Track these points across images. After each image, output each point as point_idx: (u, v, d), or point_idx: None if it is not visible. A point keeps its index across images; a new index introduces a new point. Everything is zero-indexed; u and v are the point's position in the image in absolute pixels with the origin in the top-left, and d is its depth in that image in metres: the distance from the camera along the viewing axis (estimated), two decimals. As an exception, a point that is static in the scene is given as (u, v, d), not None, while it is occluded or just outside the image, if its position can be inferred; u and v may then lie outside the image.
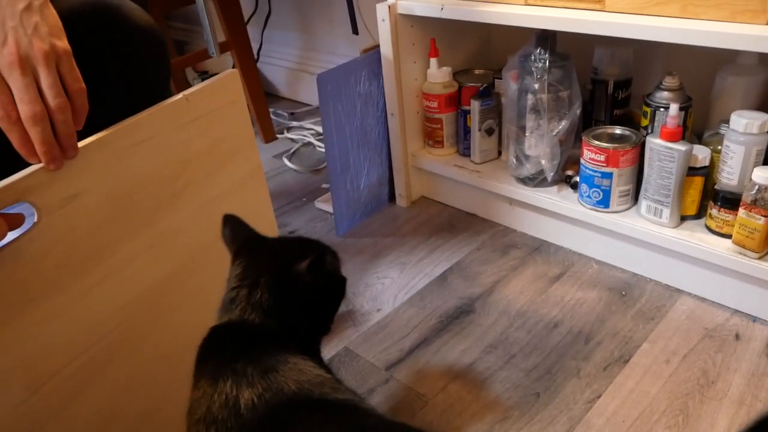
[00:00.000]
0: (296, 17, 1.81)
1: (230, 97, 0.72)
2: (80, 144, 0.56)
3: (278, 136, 1.69)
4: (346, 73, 1.09)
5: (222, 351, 0.56)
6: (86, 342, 0.61)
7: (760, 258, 0.86)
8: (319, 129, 1.66)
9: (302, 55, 1.87)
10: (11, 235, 0.53)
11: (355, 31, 1.16)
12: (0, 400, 0.56)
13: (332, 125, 1.10)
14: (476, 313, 0.98)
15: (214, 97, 0.70)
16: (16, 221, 0.55)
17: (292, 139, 1.67)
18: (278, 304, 0.58)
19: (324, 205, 1.31)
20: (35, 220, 0.55)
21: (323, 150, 1.56)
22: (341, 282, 0.64)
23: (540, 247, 1.12)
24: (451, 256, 1.12)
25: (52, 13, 0.55)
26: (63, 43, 0.53)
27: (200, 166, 0.70)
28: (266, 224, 0.81)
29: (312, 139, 1.63)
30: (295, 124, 1.75)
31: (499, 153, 1.21)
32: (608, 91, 1.06)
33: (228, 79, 0.72)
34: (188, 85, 1.00)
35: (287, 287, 0.58)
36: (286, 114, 1.82)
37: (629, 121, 1.08)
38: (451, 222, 1.22)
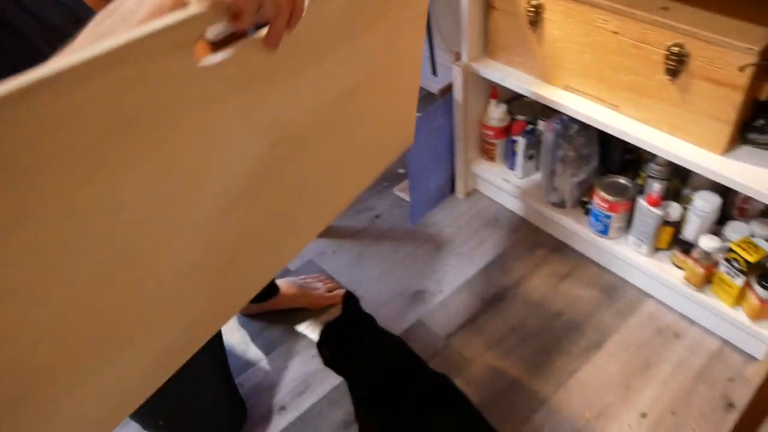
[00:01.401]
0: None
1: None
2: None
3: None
4: (429, 118, 1.49)
5: None
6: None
7: (698, 290, 1.30)
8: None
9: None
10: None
11: (435, 72, 1.52)
12: (248, 150, 0.59)
13: (415, 153, 1.51)
14: (506, 301, 1.45)
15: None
16: None
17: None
18: None
19: (402, 193, 1.75)
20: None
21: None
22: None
23: (557, 248, 1.56)
24: (494, 250, 1.57)
25: None
26: None
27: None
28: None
29: (389, 120, 2.03)
30: (374, 98, 2.13)
31: (537, 169, 1.62)
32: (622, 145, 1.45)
33: None
34: None
35: None
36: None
37: (637, 161, 1.47)
38: (495, 217, 1.66)
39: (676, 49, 1.04)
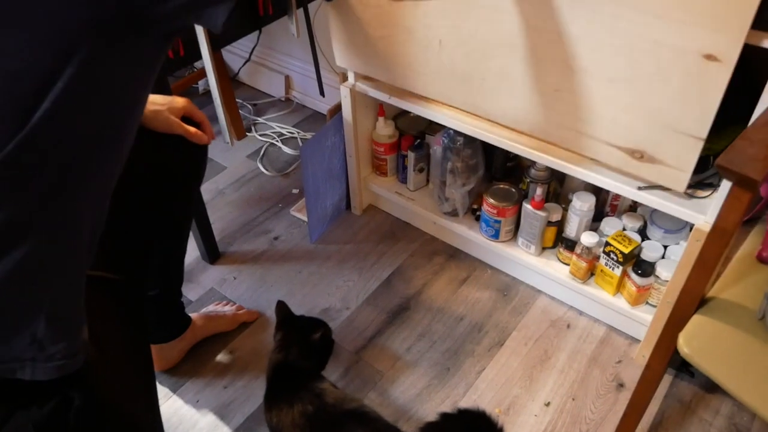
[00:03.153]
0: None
1: None
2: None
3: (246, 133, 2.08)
4: (321, 139, 1.52)
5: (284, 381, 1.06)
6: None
7: (583, 283, 1.41)
8: (283, 129, 2.06)
9: (261, 51, 2.20)
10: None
11: (322, 93, 1.54)
12: None
13: (309, 174, 1.53)
14: (411, 309, 1.50)
15: None
16: None
17: (258, 137, 2.06)
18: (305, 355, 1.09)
19: (298, 213, 1.76)
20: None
21: (289, 152, 1.98)
22: (332, 342, 1.15)
23: (454, 254, 1.64)
24: (394, 262, 1.62)
25: None
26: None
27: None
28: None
29: (278, 141, 2.04)
30: (261, 120, 2.13)
31: (428, 181, 1.68)
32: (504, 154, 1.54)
33: None
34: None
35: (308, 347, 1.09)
36: (249, 107, 2.19)
37: (519, 167, 1.58)
38: (392, 230, 1.71)
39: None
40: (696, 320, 0.90)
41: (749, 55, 0.90)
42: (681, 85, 0.97)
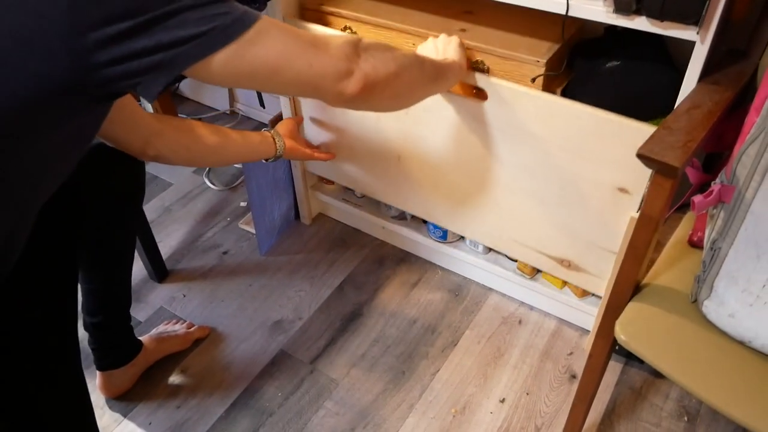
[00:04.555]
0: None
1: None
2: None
3: (194, 148, 2.05)
4: (263, 150, 1.50)
5: None
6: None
7: (531, 279, 1.43)
8: (229, 143, 2.04)
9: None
10: None
11: (262, 104, 1.53)
12: None
13: (254, 187, 1.51)
14: (364, 315, 1.50)
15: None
16: None
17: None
18: None
19: (246, 226, 1.74)
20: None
21: (236, 165, 1.96)
22: None
23: (404, 258, 1.64)
24: (345, 269, 1.62)
25: None
26: None
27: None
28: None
29: (224, 154, 2.01)
30: (206, 134, 2.10)
31: (375, 186, 1.69)
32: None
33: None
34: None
35: None
36: (195, 121, 2.16)
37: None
38: (342, 237, 1.71)
39: (479, 66, 1.15)
40: (632, 307, 0.92)
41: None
42: (598, 210, 1.16)
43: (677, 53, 1.11)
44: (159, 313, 1.52)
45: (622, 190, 1.10)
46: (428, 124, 1.27)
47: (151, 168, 1.98)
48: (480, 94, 1.15)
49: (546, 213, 1.24)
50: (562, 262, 1.29)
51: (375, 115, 1.34)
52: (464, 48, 1.12)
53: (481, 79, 1.13)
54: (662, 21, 0.90)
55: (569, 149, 1.11)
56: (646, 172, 1.02)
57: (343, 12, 1.28)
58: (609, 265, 1.22)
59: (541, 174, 1.18)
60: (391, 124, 1.33)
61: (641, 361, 1.35)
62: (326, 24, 1.32)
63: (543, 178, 1.18)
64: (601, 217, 1.16)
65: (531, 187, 1.22)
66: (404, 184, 1.43)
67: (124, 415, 1.30)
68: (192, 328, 1.44)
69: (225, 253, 1.68)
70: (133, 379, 1.34)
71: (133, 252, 1.27)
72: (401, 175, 1.42)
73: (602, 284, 1.26)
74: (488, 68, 1.15)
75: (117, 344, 1.30)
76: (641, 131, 0.99)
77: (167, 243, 1.71)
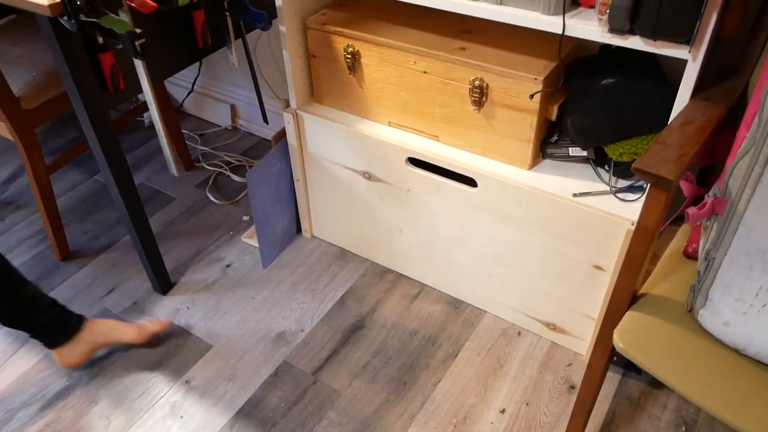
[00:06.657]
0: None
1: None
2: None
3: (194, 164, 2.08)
4: (267, 165, 1.53)
5: None
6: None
7: (529, 290, 1.46)
8: (231, 158, 2.07)
9: (206, 81, 2.22)
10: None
11: (266, 120, 1.56)
12: None
13: (257, 201, 1.54)
14: (366, 327, 1.52)
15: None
16: None
17: (206, 167, 2.07)
18: None
19: (249, 240, 1.77)
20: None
21: (238, 180, 1.99)
22: None
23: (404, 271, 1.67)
24: (346, 282, 1.64)
25: None
26: None
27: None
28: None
29: (226, 170, 2.04)
30: (208, 149, 2.13)
31: (375, 200, 1.72)
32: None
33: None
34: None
35: None
36: (196, 137, 2.19)
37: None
38: (343, 250, 1.74)
39: (477, 83, 1.18)
40: (629, 316, 0.95)
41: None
42: (578, 283, 1.30)
43: (670, 71, 1.16)
44: (163, 325, 1.54)
45: (598, 267, 1.24)
46: (427, 205, 1.43)
47: (153, 183, 2.01)
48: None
49: (532, 283, 1.39)
50: (548, 325, 1.44)
51: (379, 194, 1.50)
52: None
53: (470, 170, 1.29)
54: (655, 40, 0.94)
55: (550, 231, 1.26)
56: (619, 252, 1.18)
57: (346, 31, 1.32)
58: (590, 329, 1.37)
59: (526, 250, 1.33)
60: (395, 203, 1.49)
61: (639, 372, 1.38)
62: (329, 43, 1.36)
63: (528, 253, 1.33)
64: (581, 289, 1.31)
65: (518, 262, 1.37)
66: (404, 253, 1.59)
67: (127, 429, 1.32)
68: (148, 321, 1.48)
69: (228, 266, 1.70)
70: (84, 356, 1.41)
71: (9, 265, 1.29)
72: (402, 245, 1.57)
73: (584, 345, 1.41)
74: (487, 85, 1.18)
75: (52, 328, 1.36)
76: (613, 221, 1.15)
77: (171, 256, 1.73)
